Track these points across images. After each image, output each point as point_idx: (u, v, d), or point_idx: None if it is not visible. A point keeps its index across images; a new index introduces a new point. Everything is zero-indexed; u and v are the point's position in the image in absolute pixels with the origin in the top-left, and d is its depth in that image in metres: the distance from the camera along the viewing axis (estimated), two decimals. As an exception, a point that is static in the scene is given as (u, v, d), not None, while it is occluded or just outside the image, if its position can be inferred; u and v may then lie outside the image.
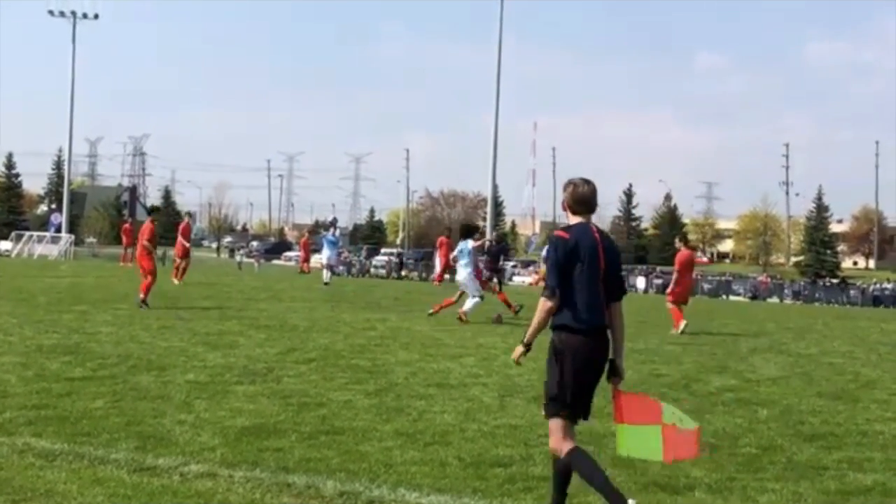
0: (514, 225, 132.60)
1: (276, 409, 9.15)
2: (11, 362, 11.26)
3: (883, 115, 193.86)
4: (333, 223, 39.23)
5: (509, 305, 21.78)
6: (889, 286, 71.68)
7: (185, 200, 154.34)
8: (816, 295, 70.87)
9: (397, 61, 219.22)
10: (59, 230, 69.30)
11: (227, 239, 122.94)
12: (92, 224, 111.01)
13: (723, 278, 79.76)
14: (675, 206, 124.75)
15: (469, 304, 20.30)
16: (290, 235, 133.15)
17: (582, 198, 6.08)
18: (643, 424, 5.92)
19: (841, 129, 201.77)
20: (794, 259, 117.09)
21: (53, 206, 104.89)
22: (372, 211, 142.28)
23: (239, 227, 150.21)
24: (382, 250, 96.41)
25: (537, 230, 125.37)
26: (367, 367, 12.26)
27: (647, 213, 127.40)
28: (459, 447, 7.81)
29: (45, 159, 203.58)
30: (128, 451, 7.18)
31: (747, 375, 13.50)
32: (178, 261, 31.21)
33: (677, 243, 22.39)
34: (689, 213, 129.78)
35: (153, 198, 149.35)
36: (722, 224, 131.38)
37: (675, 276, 21.61)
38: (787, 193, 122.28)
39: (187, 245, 31.25)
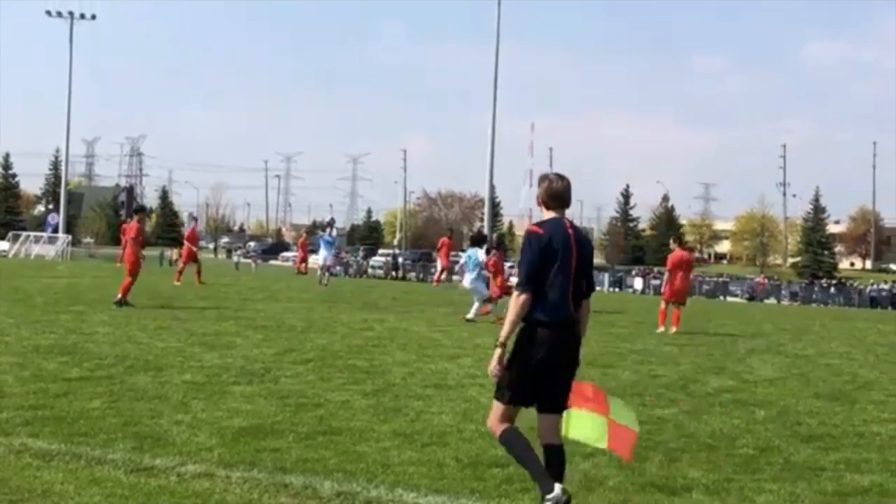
0: (511, 225, 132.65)
1: (273, 409, 9.14)
2: (8, 362, 11.25)
3: (881, 116, 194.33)
4: (331, 223, 39.23)
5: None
6: (886, 287, 71.69)
7: (183, 201, 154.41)
8: (814, 296, 70.93)
9: (395, 62, 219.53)
10: (56, 230, 69.23)
11: (225, 239, 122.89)
12: (89, 224, 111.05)
13: (720, 279, 79.84)
14: (672, 206, 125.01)
15: (474, 308, 20.55)
16: (288, 236, 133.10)
17: (556, 193, 6.12)
18: (592, 412, 6.03)
19: (839, 130, 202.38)
20: (791, 260, 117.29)
21: (50, 206, 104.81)
22: (369, 211, 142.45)
23: (236, 228, 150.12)
24: (380, 251, 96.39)
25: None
26: (365, 368, 12.25)
27: (644, 213, 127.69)
28: (457, 448, 7.81)
29: (42, 159, 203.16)
30: (125, 452, 7.17)
31: (745, 376, 13.51)
32: (181, 265, 31.47)
33: (672, 244, 22.51)
34: (686, 213, 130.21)
35: (150, 198, 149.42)
36: (719, 225, 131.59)
37: (665, 275, 21.96)
38: (785, 194, 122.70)
39: (195, 249, 31.68)
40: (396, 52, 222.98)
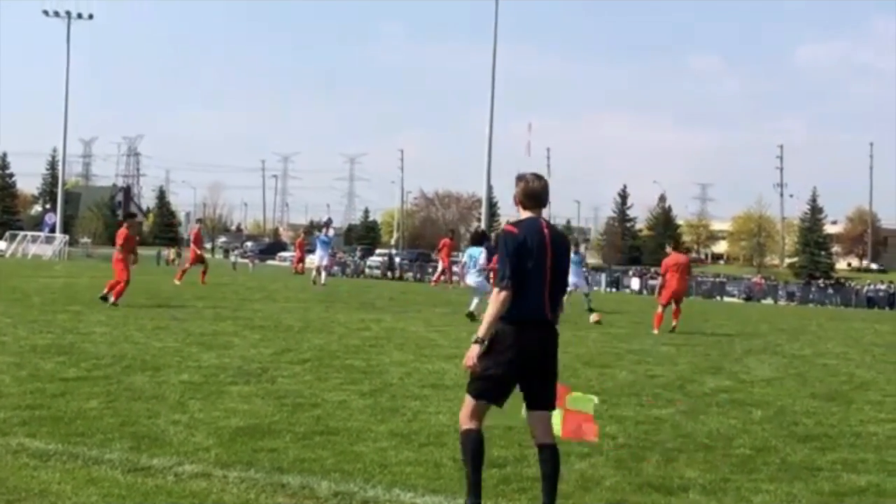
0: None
1: (270, 409, 9.14)
2: (5, 362, 11.24)
3: (877, 116, 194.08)
4: (328, 223, 39.24)
5: None
6: (883, 287, 71.75)
7: (180, 201, 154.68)
8: (810, 296, 70.97)
9: (392, 62, 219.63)
10: (53, 230, 69.27)
11: (222, 239, 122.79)
12: (86, 224, 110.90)
13: (717, 280, 79.86)
14: (669, 207, 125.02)
15: (474, 302, 20.53)
16: (285, 236, 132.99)
17: (532, 193, 6.15)
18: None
19: (835, 131, 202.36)
20: (788, 260, 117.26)
21: (48, 206, 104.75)
22: (366, 211, 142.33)
23: (233, 228, 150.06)
24: (377, 251, 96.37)
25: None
26: (362, 368, 12.25)
27: (641, 214, 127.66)
28: (454, 448, 7.78)
29: (39, 159, 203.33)
30: (122, 452, 7.17)
31: (741, 376, 13.52)
32: (188, 265, 31.71)
33: (667, 248, 22.68)
34: (683, 214, 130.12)
35: (147, 198, 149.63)
36: (716, 225, 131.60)
37: (660, 279, 22.18)
38: (782, 195, 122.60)
39: (199, 252, 31.87)
40: (394, 53, 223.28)
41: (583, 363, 13.77)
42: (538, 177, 6.22)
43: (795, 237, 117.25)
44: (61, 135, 71.10)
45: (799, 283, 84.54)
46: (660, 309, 20.99)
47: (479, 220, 76.55)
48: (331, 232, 37.42)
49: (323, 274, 34.95)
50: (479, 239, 22.87)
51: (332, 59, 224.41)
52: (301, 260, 46.23)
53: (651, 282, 72.86)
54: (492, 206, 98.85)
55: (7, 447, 7.14)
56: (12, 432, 7.67)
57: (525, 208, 6.16)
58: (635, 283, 74.49)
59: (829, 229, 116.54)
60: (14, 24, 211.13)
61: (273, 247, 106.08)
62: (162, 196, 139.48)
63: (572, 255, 30.01)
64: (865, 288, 73.16)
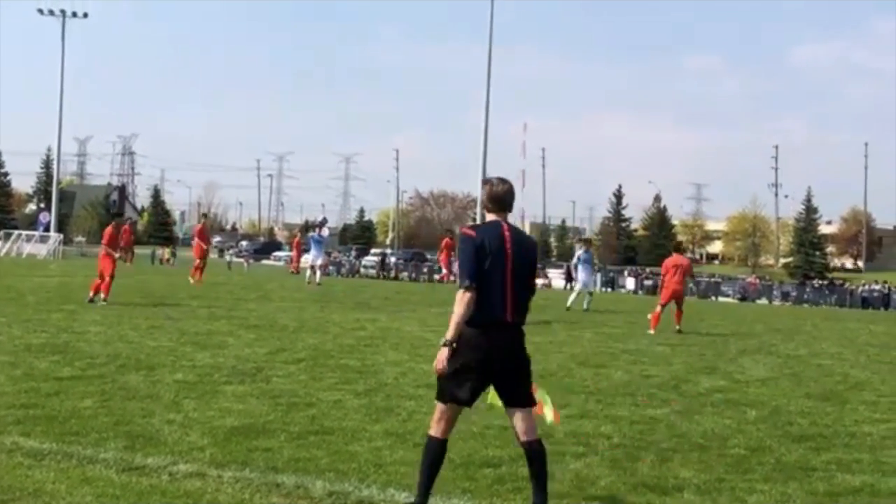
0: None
1: (265, 409, 9.14)
2: (0, 361, 11.22)
3: (873, 117, 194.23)
4: (322, 223, 39.23)
5: None
6: (877, 287, 71.85)
7: (175, 200, 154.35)
8: (805, 296, 71.06)
9: (388, 62, 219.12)
10: (47, 229, 69.09)
11: (217, 239, 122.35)
12: (81, 223, 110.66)
13: (712, 279, 79.88)
14: (664, 207, 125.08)
15: None
16: (280, 235, 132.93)
17: (496, 196, 6.18)
18: None
19: (831, 131, 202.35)
20: (783, 260, 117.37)
21: (42, 205, 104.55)
22: (362, 211, 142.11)
23: (228, 227, 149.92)
24: (372, 250, 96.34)
25: (528, 231, 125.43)
26: (357, 368, 12.25)
27: (636, 214, 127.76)
28: (449, 448, 7.77)
29: (33, 158, 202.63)
30: (116, 451, 7.16)
31: (736, 376, 13.54)
32: (197, 261, 31.82)
33: (672, 252, 22.86)
34: (678, 214, 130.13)
35: (142, 197, 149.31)
36: (711, 225, 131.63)
37: (661, 279, 22.42)
38: (777, 195, 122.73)
39: (205, 247, 32.12)
40: (390, 53, 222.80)
41: (578, 363, 13.77)
42: (503, 180, 6.26)
43: (790, 237, 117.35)
44: (56, 133, 70.91)
45: (794, 283, 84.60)
46: (658, 308, 21.07)
47: (473, 219, 76.46)
48: (325, 231, 37.39)
49: (318, 273, 34.96)
50: None
51: (328, 58, 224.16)
52: (297, 260, 46.27)
53: (646, 282, 73.07)
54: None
55: (1, 446, 7.13)
56: (6, 431, 7.66)
57: (489, 211, 6.20)
58: (630, 283, 74.53)
59: (824, 229, 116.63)
60: (9, 23, 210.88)
61: (268, 246, 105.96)
62: (157, 195, 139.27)
63: (583, 253, 30.33)
64: (860, 288, 73.23)
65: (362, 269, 74.11)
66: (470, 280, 5.89)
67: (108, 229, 21.42)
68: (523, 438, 6.02)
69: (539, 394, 6.41)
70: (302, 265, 45.44)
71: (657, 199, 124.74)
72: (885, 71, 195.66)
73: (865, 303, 66.81)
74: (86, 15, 71.24)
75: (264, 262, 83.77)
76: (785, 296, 71.53)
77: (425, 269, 71.84)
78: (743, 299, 68.17)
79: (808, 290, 74.56)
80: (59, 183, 79.76)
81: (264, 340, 14.72)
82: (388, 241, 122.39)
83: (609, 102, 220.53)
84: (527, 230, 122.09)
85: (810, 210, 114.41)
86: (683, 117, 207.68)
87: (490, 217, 6.18)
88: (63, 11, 69.46)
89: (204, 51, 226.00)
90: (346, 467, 7.05)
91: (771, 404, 11.09)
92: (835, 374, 14.73)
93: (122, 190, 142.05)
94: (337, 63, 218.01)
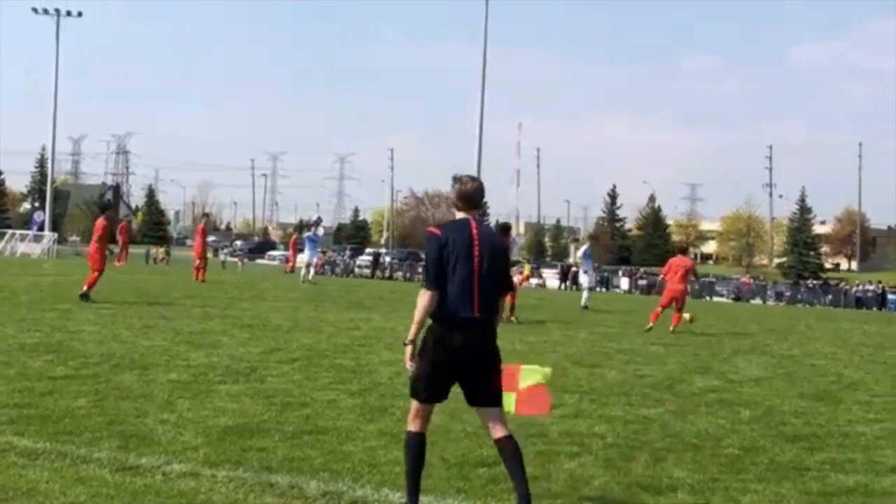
0: (497, 224, 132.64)
1: (259, 408, 9.13)
2: (-7, 361, 11.21)
3: (868, 117, 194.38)
4: (317, 222, 39.28)
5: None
6: (871, 287, 71.94)
7: (169, 199, 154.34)
8: (799, 296, 71.14)
9: (386, 62, 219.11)
10: (41, 228, 68.96)
11: (211, 238, 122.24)
12: (75, 222, 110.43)
13: (706, 279, 79.91)
14: (658, 207, 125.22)
15: None
16: (274, 235, 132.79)
17: (464, 195, 6.18)
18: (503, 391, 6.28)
19: (826, 132, 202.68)
20: (777, 260, 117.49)
21: (36, 204, 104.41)
22: (356, 210, 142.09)
23: (223, 227, 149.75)
24: (367, 250, 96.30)
25: (522, 231, 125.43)
26: (351, 367, 12.25)
27: (631, 213, 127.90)
28: (443, 447, 7.80)
29: (28, 157, 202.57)
30: (110, 451, 7.15)
31: (730, 376, 13.55)
32: (198, 261, 32.23)
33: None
34: (673, 214, 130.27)
35: (137, 196, 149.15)
36: (705, 225, 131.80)
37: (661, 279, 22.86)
38: (771, 195, 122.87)
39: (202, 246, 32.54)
40: (386, 52, 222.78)
41: (572, 363, 13.77)
42: (473, 178, 6.26)
43: (784, 237, 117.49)
44: (50, 132, 70.84)
45: (787, 283, 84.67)
46: (658, 309, 21.32)
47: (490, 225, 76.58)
48: (320, 231, 37.44)
49: (311, 270, 35.09)
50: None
51: (323, 58, 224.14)
52: (293, 259, 46.37)
53: (640, 282, 73.13)
54: (482, 206, 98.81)
55: (-6, 446, 7.12)
56: (0, 431, 7.64)
57: (459, 209, 6.20)
58: (624, 283, 74.55)
59: (818, 229, 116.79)
60: (3, 22, 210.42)
61: (262, 246, 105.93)
62: (151, 194, 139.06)
63: (588, 248, 30.60)
64: (854, 288, 73.32)
65: (357, 269, 74.08)
66: (430, 281, 5.96)
67: (102, 222, 21.27)
68: (495, 436, 6.04)
69: (529, 377, 6.48)
70: (297, 264, 45.45)
71: (652, 198, 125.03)
72: (881, 71, 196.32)
73: (859, 303, 66.89)
74: (80, 14, 71.17)
75: (259, 261, 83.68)
76: (779, 296, 71.61)
77: (419, 269, 71.74)
78: (737, 299, 68.25)
79: (802, 290, 74.62)
80: (53, 182, 79.71)
81: (258, 340, 14.71)
82: (382, 241, 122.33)
83: (606, 102, 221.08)
84: (521, 230, 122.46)
85: (804, 210, 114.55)
86: (681, 117, 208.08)
87: (460, 215, 6.17)
88: (57, 10, 69.39)
89: (199, 50, 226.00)
90: (341, 467, 7.04)
91: (765, 404, 11.10)
92: (828, 374, 14.75)
93: (116, 189, 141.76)
94: (333, 63, 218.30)
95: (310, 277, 34.20)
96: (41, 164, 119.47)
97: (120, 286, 20.06)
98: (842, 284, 78.47)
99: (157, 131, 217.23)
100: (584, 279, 31.23)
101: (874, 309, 62.60)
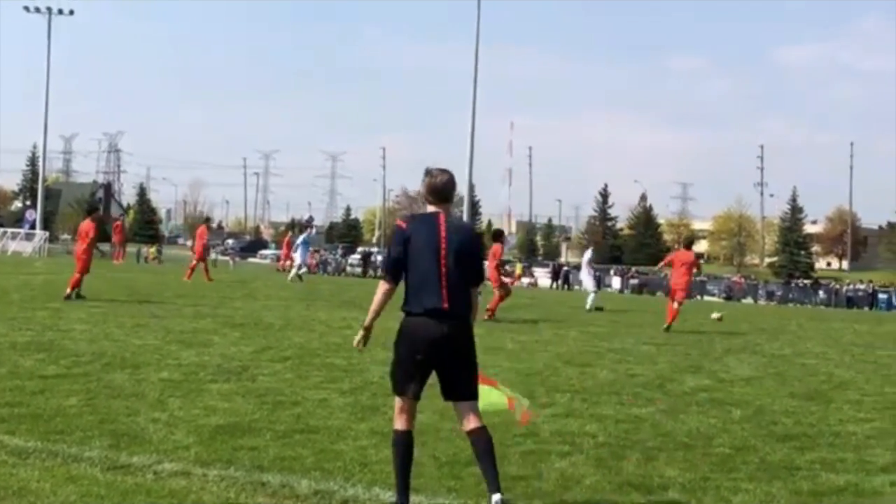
0: (490, 224, 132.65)
1: (250, 407, 9.13)
2: (-16, 359, 11.19)
3: (859, 117, 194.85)
4: (309, 222, 39.45)
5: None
6: (862, 287, 72.10)
7: (160, 198, 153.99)
8: (790, 295, 71.27)
9: (375, 60, 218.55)
10: (33, 227, 68.78)
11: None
12: (66, 221, 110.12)
13: (697, 279, 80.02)
14: (650, 206, 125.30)
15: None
16: (266, 233, 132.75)
17: (434, 188, 6.21)
18: (490, 386, 6.54)
19: (816, 132, 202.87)
20: (768, 260, 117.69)
21: (28, 202, 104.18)
22: (348, 209, 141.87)
23: (214, 225, 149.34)
24: (359, 249, 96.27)
25: (514, 230, 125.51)
26: (343, 366, 12.25)
27: (622, 213, 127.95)
28: (434, 447, 7.80)
29: (19, 155, 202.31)
30: (101, 450, 7.14)
31: (721, 376, 13.57)
32: (195, 262, 32.95)
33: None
34: (664, 213, 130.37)
35: (128, 195, 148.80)
36: (697, 225, 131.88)
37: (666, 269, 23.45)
38: (762, 194, 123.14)
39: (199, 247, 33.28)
40: (378, 51, 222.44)
41: (563, 362, 13.78)
42: (443, 171, 6.27)
43: (775, 237, 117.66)
44: (41, 131, 70.61)
45: (779, 282, 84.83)
46: (670, 303, 21.93)
47: (460, 218, 76.63)
48: (313, 231, 37.64)
49: (303, 268, 35.48)
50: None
51: (312, 56, 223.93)
52: (286, 258, 46.56)
53: (632, 281, 73.21)
54: (473, 205, 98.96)
55: (-15, 445, 7.10)
56: (-9, 430, 7.63)
57: (429, 203, 6.22)
58: (616, 283, 74.61)
59: (809, 229, 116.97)
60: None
61: (254, 244, 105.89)
62: (143, 193, 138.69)
63: (591, 253, 31.12)
64: (845, 287, 73.48)
65: (348, 268, 74.01)
66: (386, 271, 6.13)
67: (91, 224, 21.25)
68: (468, 427, 6.05)
69: (510, 392, 6.64)
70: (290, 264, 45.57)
71: (643, 198, 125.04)
72: (871, 71, 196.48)
73: (850, 302, 67.04)
74: (72, 12, 70.99)
75: (250, 260, 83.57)
76: (770, 295, 71.74)
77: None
78: (728, 298, 68.32)
79: (793, 289, 74.76)
80: (44, 180, 79.51)
81: (250, 339, 14.70)
82: (374, 240, 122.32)
83: (599, 102, 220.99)
84: (513, 228, 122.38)
85: (795, 209, 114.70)
86: (672, 117, 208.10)
87: (430, 209, 6.19)
88: (49, 9, 69.13)
89: (191, 49, 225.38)
90: (332, 466, 7.04)
91: (755, 403, 11.12)
92: (819, 373, 14.78)
93: (107, 188, 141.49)
94: (326, 62, 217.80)
95: (299, 274, 34.62)
96: (33, 162, 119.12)
97: (111, 284, 20.01)
98: (833, 284, 78.57)
99: (148, 130, 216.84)
100: (588, 283, 31.37)
101: (865, 308, 62.77)
